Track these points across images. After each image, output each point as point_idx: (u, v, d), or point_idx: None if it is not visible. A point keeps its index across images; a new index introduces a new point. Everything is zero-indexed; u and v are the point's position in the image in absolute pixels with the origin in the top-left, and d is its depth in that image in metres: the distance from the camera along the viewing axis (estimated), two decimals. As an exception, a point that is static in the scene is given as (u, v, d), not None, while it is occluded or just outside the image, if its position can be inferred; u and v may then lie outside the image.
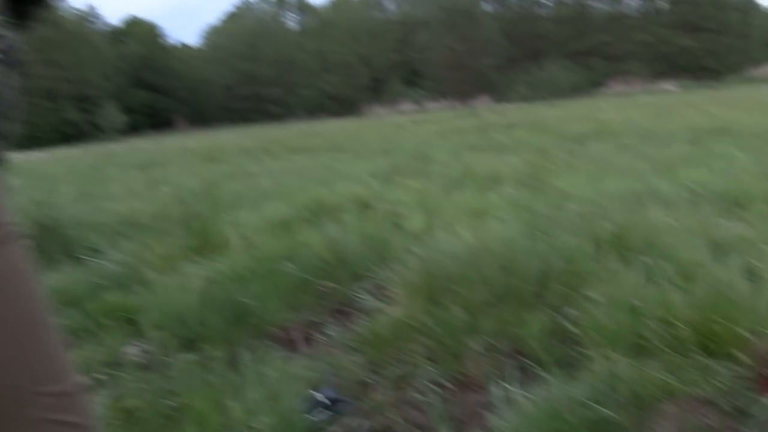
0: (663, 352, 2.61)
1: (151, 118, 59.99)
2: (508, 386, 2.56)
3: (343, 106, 57.44)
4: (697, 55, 58.27)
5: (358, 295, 3.81)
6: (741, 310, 2.74)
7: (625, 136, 10.69)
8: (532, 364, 2.78)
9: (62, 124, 53.55)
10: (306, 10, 75.75)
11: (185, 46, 78.98)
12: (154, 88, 63.92)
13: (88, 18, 65.70)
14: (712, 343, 2.60)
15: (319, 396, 2.76)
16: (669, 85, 36.74)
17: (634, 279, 3.18)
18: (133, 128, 54.62)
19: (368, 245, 4.41)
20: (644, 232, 3.93)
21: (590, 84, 47.89)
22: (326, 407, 2.73)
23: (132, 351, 3.42)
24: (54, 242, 5.32)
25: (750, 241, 3.76)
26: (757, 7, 64.71)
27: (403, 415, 2.67)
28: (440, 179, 7.21)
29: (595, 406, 2.26)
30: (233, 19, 74.04)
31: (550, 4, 66.76)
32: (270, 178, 8.58)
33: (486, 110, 29.66)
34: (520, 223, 4.36)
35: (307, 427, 2.54)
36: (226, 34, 71.63)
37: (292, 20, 76.10)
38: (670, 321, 2.73)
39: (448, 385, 2.84)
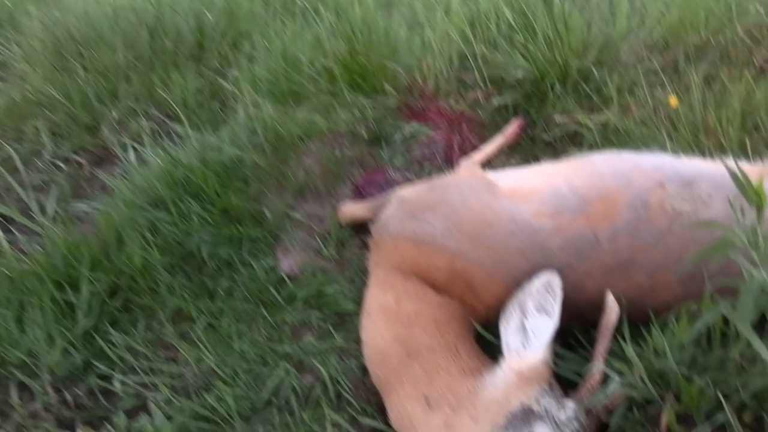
0: (315, 95, 2.40)
1: None
2: (142, 149, 2.18)
3: None
4: None
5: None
6: (395, 50, 2.60)
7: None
8: (178, 125, 2.40)
9: None
10: None
11: None
12: None
13: None
14: (364, 81, 2.43)
15: None
16: None
17: (298, 32, 2.88)
18: None
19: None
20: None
21: None
22: None
23: None
24: None
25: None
26: None
27: (15, 201, 2.18)
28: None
29: (230, 149, 1.98)
30: None
31: None
32: None
33: None
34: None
35: None
36: None
37: None
38: (326, 66, 2.50)
39: (79, 159, 2.38)
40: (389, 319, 1.41)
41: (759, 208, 1.03)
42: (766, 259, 1.03)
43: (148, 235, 1.74)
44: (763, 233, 1.05)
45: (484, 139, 2.17)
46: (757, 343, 1.01)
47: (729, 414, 1.18)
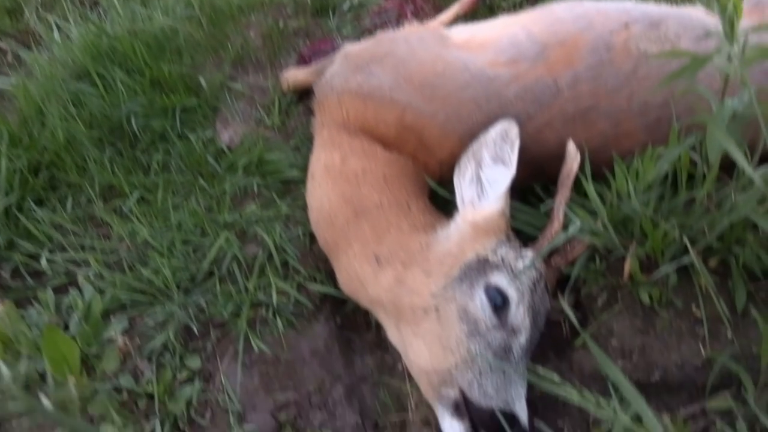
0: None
1: None
2: (68, 27, 1.98)
3: None
4: None
5: None
6: None
7: None
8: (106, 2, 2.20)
9: None
10: None
11: None
12: None
13: None
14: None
15: None
16: None
17: None
18: None
19: None
20: None
21: None
22: None
23: None
24: None
25: None
26: None
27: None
28: None
29: (162, 19, 1.80)
30: None
31: None
32: None
33: None
34: None
35: None
36: None
37: None
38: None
39: (2, 45, 2.17)
40: (335, 179, 1.30)
41: (736, 16, 0.92)
42: (744, 71, 0.93)
43: (72, 108, 1.58)
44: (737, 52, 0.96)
45: (439, 8, 2.02)
46: (737, 155, 0.91)
47: (694, 257, 1.12)
